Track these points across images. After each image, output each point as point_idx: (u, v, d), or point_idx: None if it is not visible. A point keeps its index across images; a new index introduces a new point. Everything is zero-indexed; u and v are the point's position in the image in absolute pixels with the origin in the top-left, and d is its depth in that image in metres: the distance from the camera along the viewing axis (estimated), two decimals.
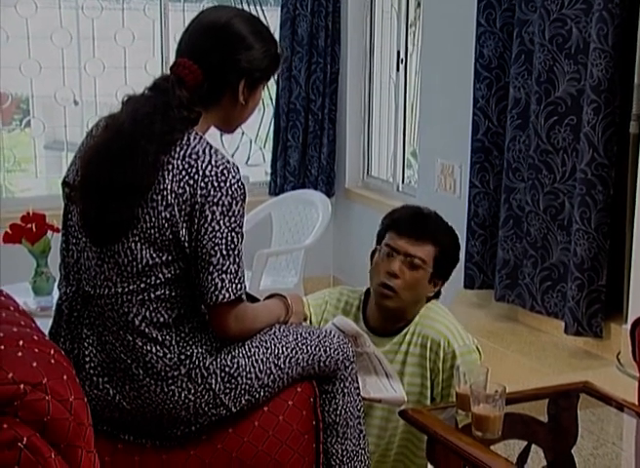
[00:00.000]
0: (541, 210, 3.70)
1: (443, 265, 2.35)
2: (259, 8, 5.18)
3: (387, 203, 4.82)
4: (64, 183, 1.93)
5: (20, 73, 4.71)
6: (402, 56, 4.96)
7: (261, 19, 2.02)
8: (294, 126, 5.14)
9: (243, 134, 5.31)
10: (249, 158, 5.45)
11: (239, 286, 1.82)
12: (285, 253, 4.59)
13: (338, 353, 2.05)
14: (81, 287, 1.89)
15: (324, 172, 5.22)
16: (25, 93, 4.91)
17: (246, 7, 5.09)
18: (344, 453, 2.08)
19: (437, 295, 2.45)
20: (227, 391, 1.88)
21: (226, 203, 1.79)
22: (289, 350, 1.97)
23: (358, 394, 2.12)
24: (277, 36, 5.10)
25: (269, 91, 5.30)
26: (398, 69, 4.99)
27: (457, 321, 2.40)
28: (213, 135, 1.98)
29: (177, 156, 1.79)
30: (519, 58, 3.74)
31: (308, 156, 5.21)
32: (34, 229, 3.39)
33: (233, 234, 1.80)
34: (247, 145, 5.41)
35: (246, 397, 1.91)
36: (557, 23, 3.55)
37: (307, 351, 2.00)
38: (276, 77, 5.15)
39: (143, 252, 1.80)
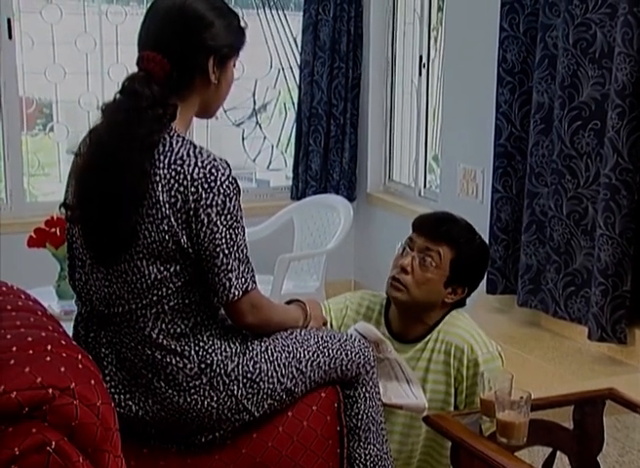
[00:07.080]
0: (565, 215, 3.68)
1: (462, 271, 2.32)
2: (281, 13, 5.18)
3: (409, 208, 4.81)
4: (63, 205, 1.90)
5: (44, 78, 4.74)
6: (424, 60, 4.94)
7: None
8: (315, 130, 5.13)
9: (265, 138, 5.30)
10: (270, 162, 5.44)
11: (245, 279, 1.81)
12: (307, 257, 4.59)
13: (359, 357, 2.04)
14: (94, 307, 1.88)
15: (346, 176, 5.21)
16: (49, 98, 4.95)
17: (268, 12, 5.09)
18: (368, 458, 2.08)
19: (461, 304, 2.41)
20: (250, 396, 1.88)
21: (220, 202, 1.77)
22: (310, 353, 1.97)
23: (379, 399, 2.11)
24: (299, 41, 5.12)
25: (291, 95, 5.31)
26: (420, 74, 4.98)
27: (479, 328, 2.38)
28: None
29: (162, 165, 1.77)
30: (542, 63, 3.72)
31: (330, 161, 5.20)
32: (58, 233, 3.40)
33: (231, 231, 1.79)
34: (269, 150, 5.41)
35: (269, 401, 1.91)
36: (581, 28, 3.53)
37: (329, 354, 1.99)
38: (298, 82, 5.15)
39: (150, 267, 1.79)
